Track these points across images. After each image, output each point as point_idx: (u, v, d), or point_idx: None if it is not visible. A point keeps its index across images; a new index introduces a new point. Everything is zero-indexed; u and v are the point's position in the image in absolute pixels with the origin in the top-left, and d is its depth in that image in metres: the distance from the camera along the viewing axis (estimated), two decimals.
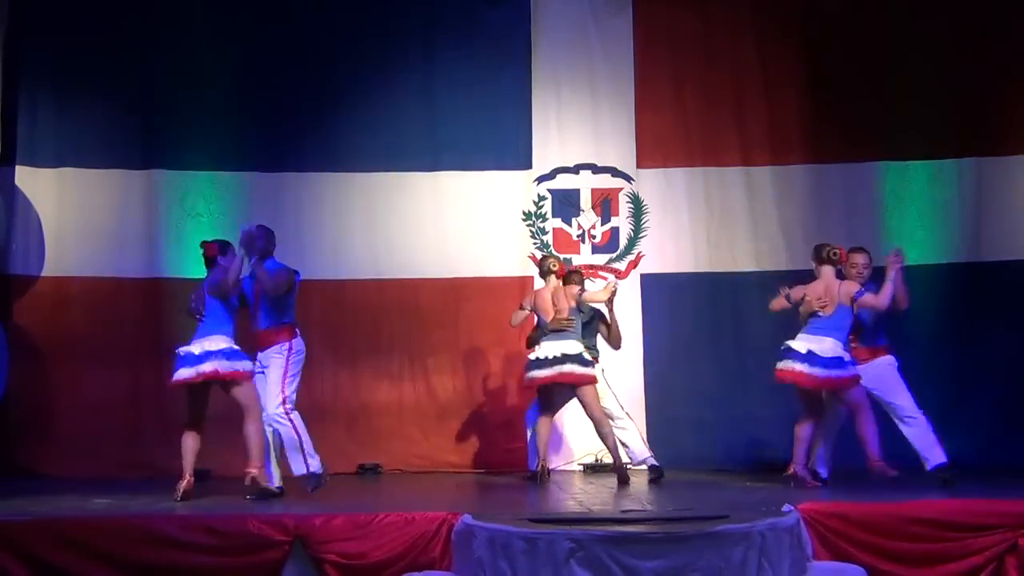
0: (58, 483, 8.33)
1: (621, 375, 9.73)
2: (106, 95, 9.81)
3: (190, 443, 7.43)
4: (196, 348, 7.34)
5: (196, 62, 9.85)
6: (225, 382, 7.31)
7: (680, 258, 10.02)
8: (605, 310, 8.77)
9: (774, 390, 9.21)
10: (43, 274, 9.62)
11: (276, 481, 7.53)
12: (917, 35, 9.83)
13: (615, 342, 8.91)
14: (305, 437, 7.45)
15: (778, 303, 7.91)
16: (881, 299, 7.64)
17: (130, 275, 9.71)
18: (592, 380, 8.44)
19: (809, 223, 9.89)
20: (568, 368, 8.30)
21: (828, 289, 7.73)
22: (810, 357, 7.56)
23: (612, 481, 8.61)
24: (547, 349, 8.40)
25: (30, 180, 9.66)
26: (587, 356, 8.43)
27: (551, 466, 8.83)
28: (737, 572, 5.64)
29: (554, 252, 9.71)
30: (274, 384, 7.48)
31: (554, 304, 8.54)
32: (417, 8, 10.08)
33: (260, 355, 7.57)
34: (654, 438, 9.70)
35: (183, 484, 7.27)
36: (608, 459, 9.38)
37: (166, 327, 9.66)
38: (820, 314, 7.67)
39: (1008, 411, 9.28)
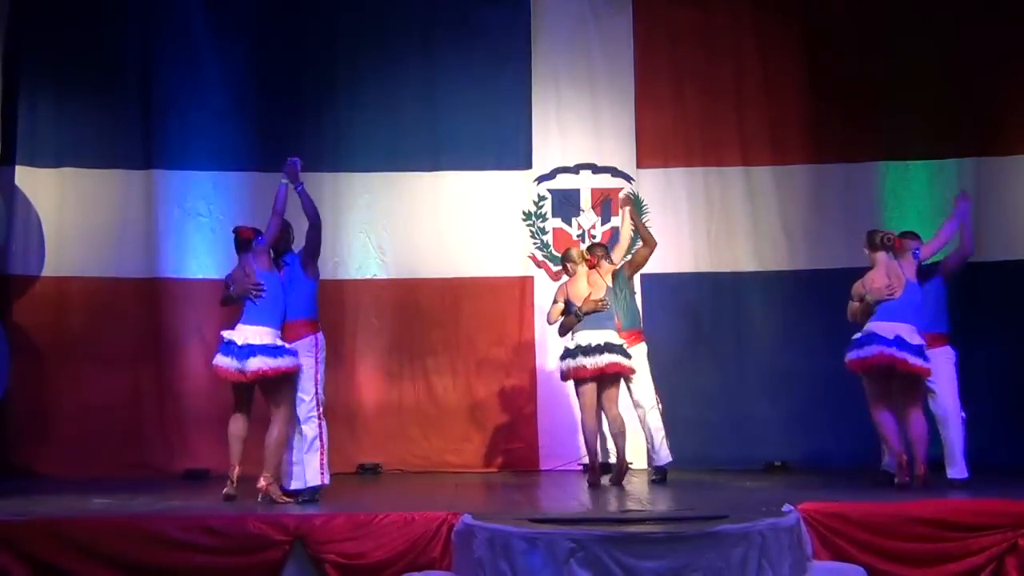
0: (58, 483, 8.34)
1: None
2: (106, 95, 9.80)
3: (235, 429, 7.32)
4: (239, 337, 7.17)
5: (196, 62, 9.85)
6: (267, 380, 7.17)
7: (680, 258, 10.01)
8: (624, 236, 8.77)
9: (775, 390, 9.25)
10: (43, 274, 9.62)
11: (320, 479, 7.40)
12: (917, 35, 9.81)
13: (651, 243, 8.79)
14: (327, 446, 7.35)
15: (853, 308, 7.84)
16: (941, 234, 7.80)
17: (130, 275, 9.70)
18: (633, 371, 8.34)
19: (809, 223, 9.89)
20: (615, 358, 8.16)
21: (891, 271, 7.65)
22: (899, 342, 7.45)
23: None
24: (587, 337, 8.18)
25: (30, 180, 9.65)
26: (627, 348, 8.30)
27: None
28: (737, 572, 5.64)
29: (545, 242, 9.67)
30: (308, 384, 7.35)
31: (591, 286, 8.37)
32: (417, 8, 10.08)
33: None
34: None
35: (234, 473, 7.20)
36: (608, 459, 9.43)
37: (166, 327, 9.68)
38: (890, 297, 7.58)
39: (1008, 411, 9.26)
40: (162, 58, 9.83)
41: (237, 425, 7.35)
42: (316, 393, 7.35)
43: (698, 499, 7.37)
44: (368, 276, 9.97)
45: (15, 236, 9.55)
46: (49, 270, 9.64)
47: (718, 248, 10.00)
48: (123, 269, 9.71)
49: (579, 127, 10.11)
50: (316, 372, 7.36)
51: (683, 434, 9.63)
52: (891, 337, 7.47)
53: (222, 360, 7.22)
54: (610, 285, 8.42)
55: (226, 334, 7.28)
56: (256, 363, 7.09)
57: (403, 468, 9.65)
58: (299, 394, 7.29)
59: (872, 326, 7.59)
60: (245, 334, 7.19)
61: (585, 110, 10.12)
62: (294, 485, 7.28)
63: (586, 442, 8.37)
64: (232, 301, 7.41)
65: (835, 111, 9.90)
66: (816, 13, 10.02)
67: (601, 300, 8.27)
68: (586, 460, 9.45)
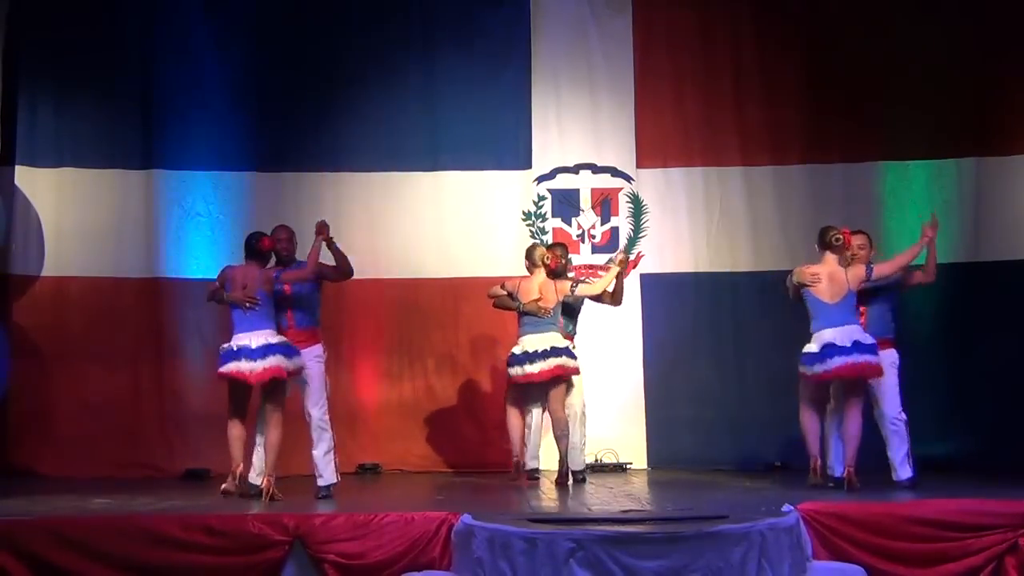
0: (58, 483, 8.33)
1: (621, 375, 9.76)
2: (106, 95, 9.80)
3: (236, 432, 7.44)
4: (252, 341, 7.27)
5: (196, 62, 9.85)
6: (277, 380, 7.30)
7: (680, 258, 10.02)
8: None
9: (774, 390, 9.26)
10: (43, 274, 9.62)
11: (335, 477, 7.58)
12: (917, 35, 9.82)
13: (618, 299, 8.77)
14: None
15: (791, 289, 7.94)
16: (900, 259, 7.79)
17: (130, 275, 9.69)
18: (578, 372, 8.44)
19: (809, 223, 9.86)
20: (561, 361, 8.25)
21: (833, 276, 7.68)
22: (856, 346, 7.49)
23: (612, 481, 8.62)
24: (533, 343, 8.30)
25: (30, 180, 9.65)
26: (573, 349, 8.41)
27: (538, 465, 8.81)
28: (737, 572, 5.64)
29: (544, 242, 9.69)
30: (319, 391, 7.58)
31: (540, 293, 8.45)
32: (417, 8, 10.08)
33: None
34: (654, 438, 9.75)
35: (239, 470, 7.35)
36: (607, 459, 9.45)
37: (166, 327, 9.68)
38: (821, 297, 7.63)
39: (1008, 411, 9.26)
40: (162, 58, 9.83)
41: (237, 429, 7.45)
42: (327, 401, 7.64)
43: (698, 499, 7.37)
44: (368, 276, 9.96)
45: (15, 236, 9.54)
46: (49, 270, 9.63)
47: (718, 248, 10.01)
48: (123, 269, 9.71)
49: (579, 127, 10.12)
50: (324, 380, 7.63)
51: (683, 434, 9.68)
52: (849, 344, 7.52)
53: (236, 365, 7.25)
54: (559, 300, 8.45)
55: (234, 343, 7.32)
56: (275, 361, 7.22)
57: (403, 468, 9.65)
58: (319, 399, 7.54)
59: (825, 335, 7.61)
60: (254, 338, 7.28)
61: (585, 110, 10.13)
62: (321, 482, 7.50)
63: (512, 440, 8.50)
64: (219, 299, 7.53)
65: (835, 111, 9.90)
66: (816, 13, 10.02)
67: (544, 308, 8.37)
68: (587, 460, 9.49)
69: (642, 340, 9.86)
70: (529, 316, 8.38)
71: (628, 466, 9.56)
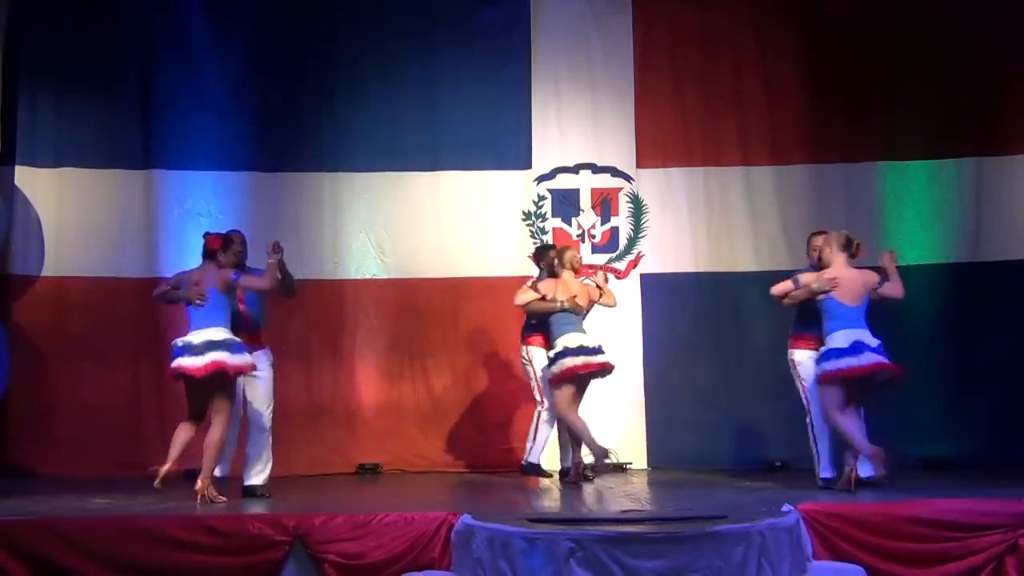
0: (58, 483, 8.34)
1: (621, 375, 9.75)
2: (106, 95, 9.80)
3: (183, 435, 7.36)
4: (196, 338, 7.23)
5: (196, 62, 9.85)
6: (223, 375, 7.18)
7: (680, 258, 10.02)
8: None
9: (774, 390, 9.26)
10: (43, 274, 9.61)
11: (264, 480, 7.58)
12: (917, 35, 9.82)
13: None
14: None
15: (786, 288, 7.75)
16: (897, 290, 7.64)
17: (130, 275, 9.69)
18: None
19: (809, 223, 9.85)
20: (605, 358, 8.24)
21: (851, 280, 7.56)
22: (879, 348, 7.40)
23: (612, 481, 8.62)
24: (579, 339, 8.22)
25: (30, 180, 9.65)
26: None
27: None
28: (737, 572, 5.65)
29: (544, 242, 9.70)
30: (269, 391, 7.67)
31: (573, 290, 8.39)
32: (417, 8, 10.08)
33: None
34: (654, 438, 9.75)
35: (164, 469, 7.19)
36: (611, 459, 9.46)
37: (166, 327, 9.65)
38: (843, 300, 7.50)
39: (1008, 411, 9.27)
40: (162, 58, 9.83)
41: (183, 433, 7.38)
42: (273, 400, 7.71)
43: (698, 499, 7.37)
44: (368, 276, 9.97)
45: (15, 236, 9.54)
46: (49, 270, 9.63)
47: (718, 248, 10.00)
48: (123, 269, 9.71)
49: (579, 127, 10.12)
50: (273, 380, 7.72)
51: (683, 434, 9.67)
52: (875, 344, 7.43)
53: (180, 361, 7.22)
54: (592, 300, 8.47)
55: (181, 340, 7.32)
56: (217, 356, 7.14)
57: (403, 468, 9.65)
58: (267, 400, 7.61)
59: (851, 335, 7.49)
60: (199, 335, 7.25)
61: (585, 110, 10.13)
62: (256, 480, 7.55)
63: (582, 438, 8.30)
64: (172, 299, 7.60)
65: (835, 111, 9.90)
66: (816, 13, 10.02)
67: (581, 305, 8.37)
68: (587, 460, 9.47)
69: (642, 340, 9.85)
70: (567, 315, 8.31)
71: (628, 466, 9.56)
